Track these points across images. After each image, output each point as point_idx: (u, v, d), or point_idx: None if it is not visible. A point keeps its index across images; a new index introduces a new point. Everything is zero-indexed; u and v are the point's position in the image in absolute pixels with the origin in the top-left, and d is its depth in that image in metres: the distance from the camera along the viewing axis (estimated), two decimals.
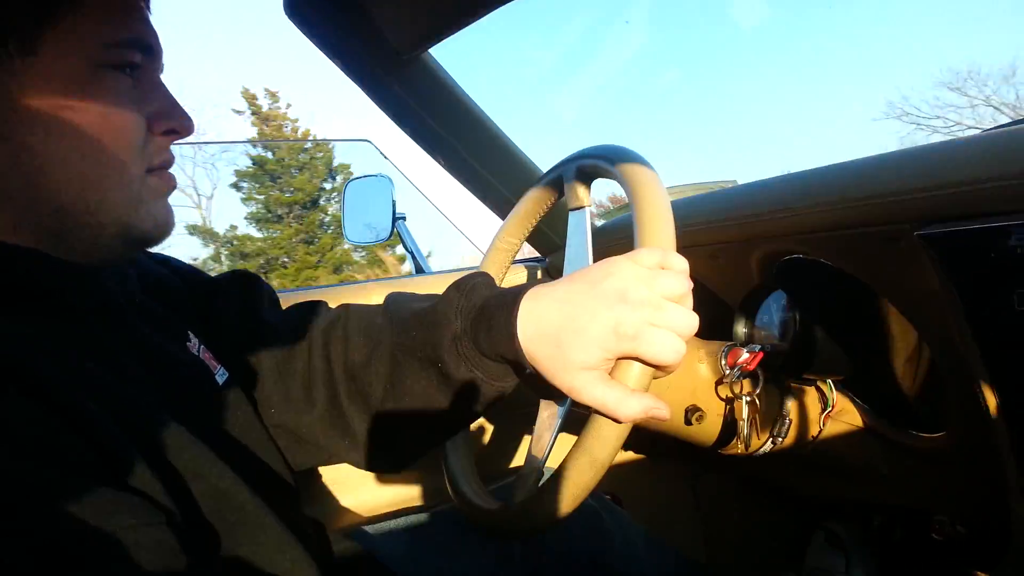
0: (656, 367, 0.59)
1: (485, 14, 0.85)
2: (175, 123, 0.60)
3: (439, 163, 1.20)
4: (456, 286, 0.68)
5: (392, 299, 0.77)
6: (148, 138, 0.58)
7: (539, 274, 1.43)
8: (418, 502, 1.30)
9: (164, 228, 0.61)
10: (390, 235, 1.48)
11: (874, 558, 1.32)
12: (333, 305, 1.22)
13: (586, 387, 0.58)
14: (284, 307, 0.85)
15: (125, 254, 0.61)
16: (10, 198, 0.53)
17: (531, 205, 0.99)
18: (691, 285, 0.62)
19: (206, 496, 0.54)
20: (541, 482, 0.73)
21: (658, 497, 1.53)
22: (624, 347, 0.57)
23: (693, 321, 0.59)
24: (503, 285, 1.02)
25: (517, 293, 0.63)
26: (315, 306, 0.83)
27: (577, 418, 0.73)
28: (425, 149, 1.18)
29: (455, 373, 0.65)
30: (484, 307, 0.65)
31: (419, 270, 1.50)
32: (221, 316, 0.77)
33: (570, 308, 0.59)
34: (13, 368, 0.45)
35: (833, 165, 0.89)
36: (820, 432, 1.04)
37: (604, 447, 0.62)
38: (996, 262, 0.70)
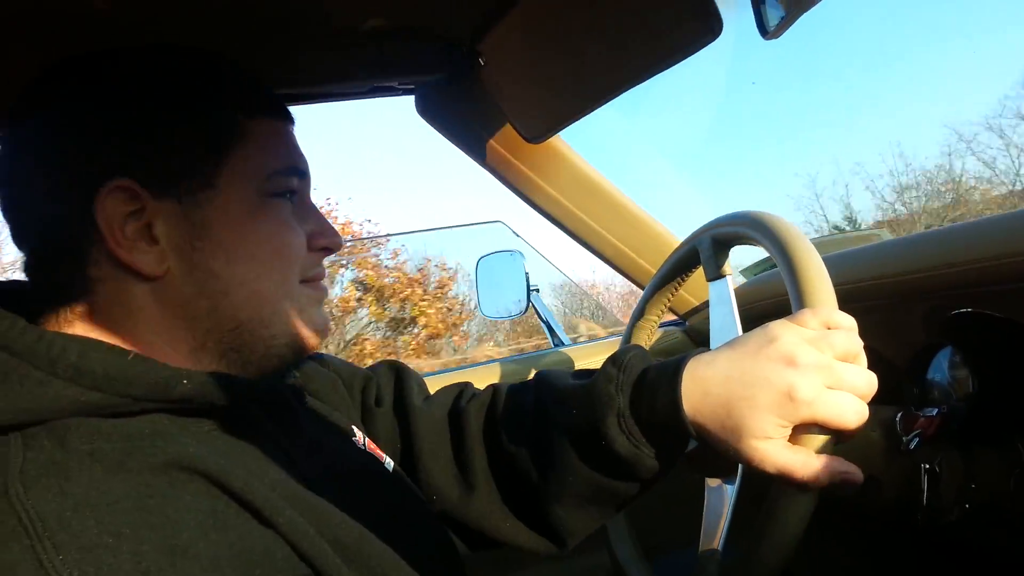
0: (837, 431, 0.56)
1: (611, 99, 0.86)
2: (328, 241, 0.66)
3: (573, 239, 1.21)
4: (613, 361, 0.67)
5: (543, 377, 0.76)
6: (307, 254, 0.64)
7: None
8: None
9: (324, 332, 0.65)
10: (526, 309, 1.49)
11: None
12: (480, 383, 1.25)
13: (767, 455, 0.56)
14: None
15: (292, 361, 0.65)
16: (196, 319, 0.58)
17: (668, 277, 0.98)
18: (862, 343, 0.59)
19: None
20: (720, 569, 0.70)
21: (832, 570, 1.43)
22: (802, 413, 0.55)
23: (872, 380, 0.57)
24: (651, 349, 1.02)
25: (679, 363, 0.61)
26: (463, 389, 0.84)
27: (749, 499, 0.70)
28: (558, 227, 1.20)
29: (619, 450, 0.63)
30: (645, 379, 0.63)
31: (557, 343, 1.50)
32: (376, 408, 0.80)
33: (738, 376, 0.57)
34: (222, 486, 0.49)
35: (993, 217, 0.83)
36: (1011, 491, 0.95)
37: (790, 525, 0.58)
38: None
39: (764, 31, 0.65)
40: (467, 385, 0.85)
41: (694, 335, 1.38)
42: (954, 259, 0.85)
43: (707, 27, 0.66)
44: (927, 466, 0.90)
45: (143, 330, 0.57)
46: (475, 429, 0.77)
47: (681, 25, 0.68)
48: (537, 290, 1.52)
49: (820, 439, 0.56)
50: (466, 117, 1.07)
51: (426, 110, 1.08)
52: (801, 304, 0.64)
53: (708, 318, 1.32)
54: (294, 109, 0.68)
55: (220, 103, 0.60)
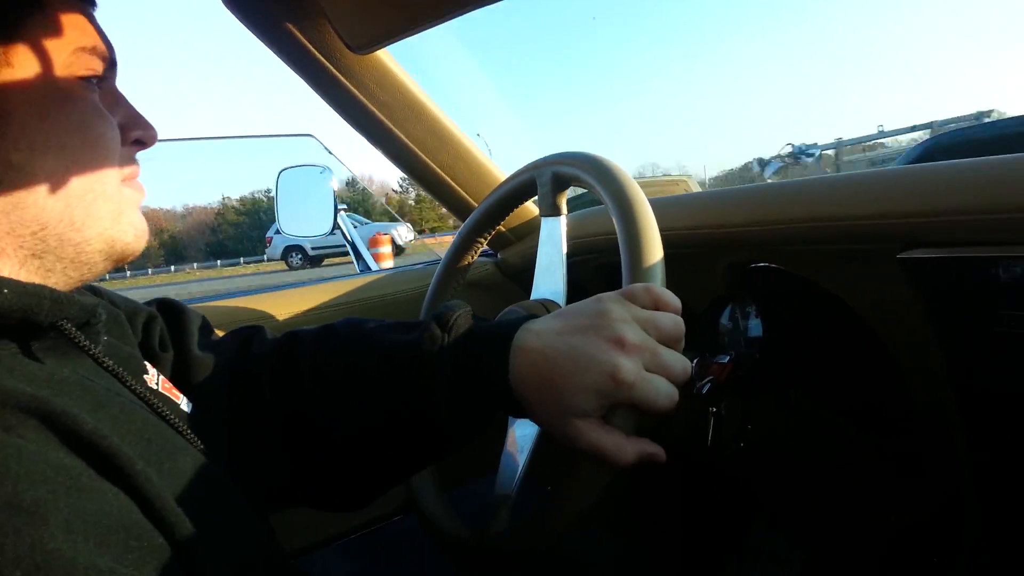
0: (647, 412, 0.57)
1: (452, 17, 0.79)
2: (141, 132, 0.59)
3: (394, 163, 1.14)
4: (438, 320, 0.64)
5: (357, 328, 0.71)
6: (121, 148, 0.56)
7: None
8: (375, 512, 1.25)
9: (142, 238, 0.58)
10: (332, 228, 1.41)
11: (818, 539, 1.36)
12: (275, 310, 1.16)
13: (583, 434, 0.57)
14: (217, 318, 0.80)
15: (103, 271, 0.57)
16: None
17: (498, 207, 0.95)
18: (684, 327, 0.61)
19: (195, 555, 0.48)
20: (513, 511, 0.72)
21: (614, 497, 1.53)
22: (622, 394, 0.56)
23: (687, 366, 0.59)
24: (464, 281, 0.99)
25: (507, 332, 0.60)
26: (254, 335, 0.77)
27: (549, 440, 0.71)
28: (379, 149, 1.12)
29: (438, 415, 0.62)
30: (471, 346, 0.62)
31: (363, 268, 1.44)
32: (162, 352, 0.70)
33: (565, 352, 0.57)
34: (67, 429, 0.41)
35: (813, 180, 0.88)
36: (780, 432, 1.06)
37: (586, 496, 0.61)
38: (975, 287, 0.71)
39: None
40: (258, 331, 0.78)
41: (505, 268, 1.37)
42: (758, 219, 0.90)
43: None
44: (714, 409, 0.97)
45: None
46: (267, 382, 0.71)
47: None
48: (345, 209, 1.44)
49: (630, 418, 0.57)
50: (281, 14, 0.93)
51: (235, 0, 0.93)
52: (634, 276, 0.65)
53: (521, 252, 1.34)
54: None
55: None
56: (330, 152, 1.33)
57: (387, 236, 7.60)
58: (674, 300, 0.62)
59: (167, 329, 0.73)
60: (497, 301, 1.36)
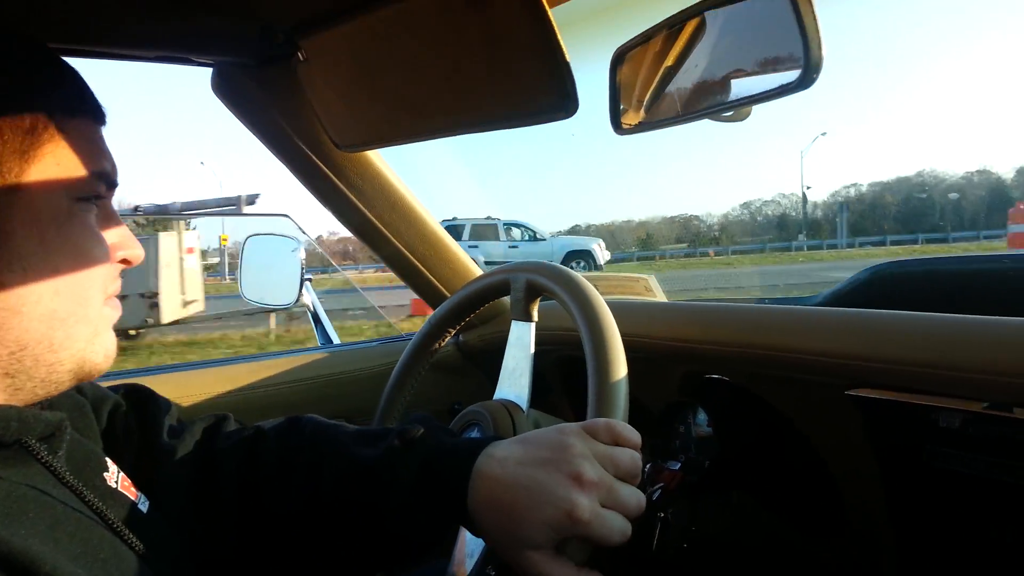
0: (601, 546, 0.60)
1: (441, 138, 0.83)
2: (129, 254, 0.60)
3: (369, 247, 1.17)
4: (401, 437, 0.66)
5: (321, 434, 0.72)
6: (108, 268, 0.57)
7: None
8: None
9: (110, 359, 0.59)
10: (296, 299, 1.41)
11: None
12: (233, 383, 1.16)
13: (535, 565, 0.59)
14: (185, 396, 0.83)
15: (68, 388, 0.57)
16: None
17: (472, 299, 0.98)
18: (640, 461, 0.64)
19: None
20: None
21: None
22: (577, 531, 0.58)
23: (641, 502, 0.61)
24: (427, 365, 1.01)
25: (469, 454, 0.63)
26: (220, 425, 0.77)
27: None
28: (356, 235, 1.15)
29: (396, 532, 0.64)
30: (432, 464, 0.64)
31: (325, 343, 1.44)
32: (125, 441, 0.70)
33: (525, 484, 0.59)
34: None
35: (770, 308, 0.94)
36: (723, 533, 1.09)
37: None
38: (917, 427, 0.77)
39: (617, 126, 0.66)
40: (224, 420, 0.78)
41: (465, 349, 1.40)
42: (712, 338, 0.96)
43: (561, 106, 0.66)
44: (661, 515, 1.00)
45: None
46: (230, 480, 0.71)
47: (536, 96, 0.67)
48: (310, 280, 1.45)
49: (583, 551, 0.60)
50: (270, 107, 0.96)
51: (223, 89, 0.96)
52: (598, 410, 0.69)
53: (482, 336, 1.37)
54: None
55: (37, 98, 0.52)
56: (304, 232, 1.35)
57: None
58: (633, 436, 0.64)
59: (134, 417, 0.72)
60: (456, 381, 1.38)
